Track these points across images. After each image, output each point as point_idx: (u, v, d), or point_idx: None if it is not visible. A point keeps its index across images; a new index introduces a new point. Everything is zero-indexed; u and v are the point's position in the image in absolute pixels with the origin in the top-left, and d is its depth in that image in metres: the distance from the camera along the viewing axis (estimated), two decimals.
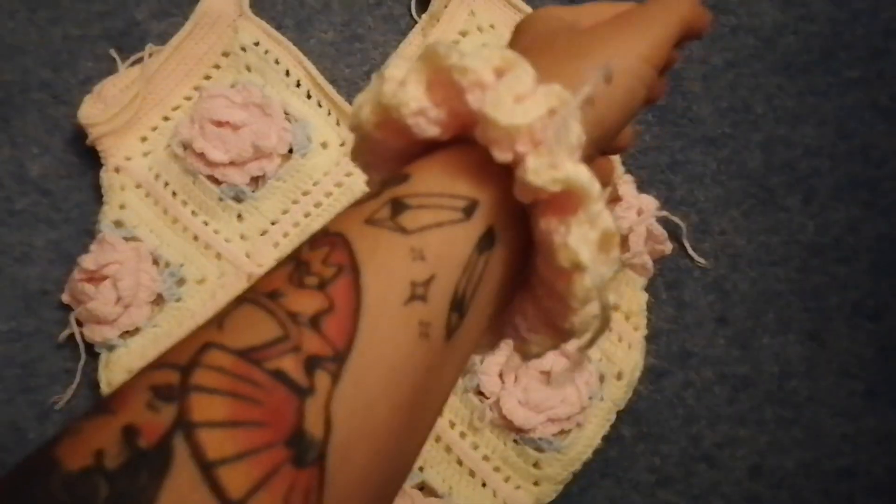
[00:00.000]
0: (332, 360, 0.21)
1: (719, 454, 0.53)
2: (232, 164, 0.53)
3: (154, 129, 0.56)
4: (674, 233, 0.55)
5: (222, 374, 0.20)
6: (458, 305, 0.23)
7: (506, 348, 0.50)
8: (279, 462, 0.20)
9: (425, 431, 0.24)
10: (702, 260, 0.55)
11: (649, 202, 0.53)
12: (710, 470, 0.53)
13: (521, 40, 0.30)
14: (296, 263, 0.22)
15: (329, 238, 0.23)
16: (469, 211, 0.23)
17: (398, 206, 0.23)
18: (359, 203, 0.23)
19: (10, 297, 0.54)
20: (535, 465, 0.50)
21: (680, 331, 0.55)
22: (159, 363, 0.21)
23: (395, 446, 0.22)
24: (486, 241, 0.23)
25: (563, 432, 0.50)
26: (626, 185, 0.53)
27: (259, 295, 0.22)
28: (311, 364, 0.21)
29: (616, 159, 0.55)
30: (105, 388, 0.51)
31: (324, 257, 0.22)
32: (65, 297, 0.53)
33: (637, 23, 0.28)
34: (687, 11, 0.29)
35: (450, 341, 0.23)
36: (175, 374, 0.20)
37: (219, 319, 0.22)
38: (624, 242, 0.53)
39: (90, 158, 0.56)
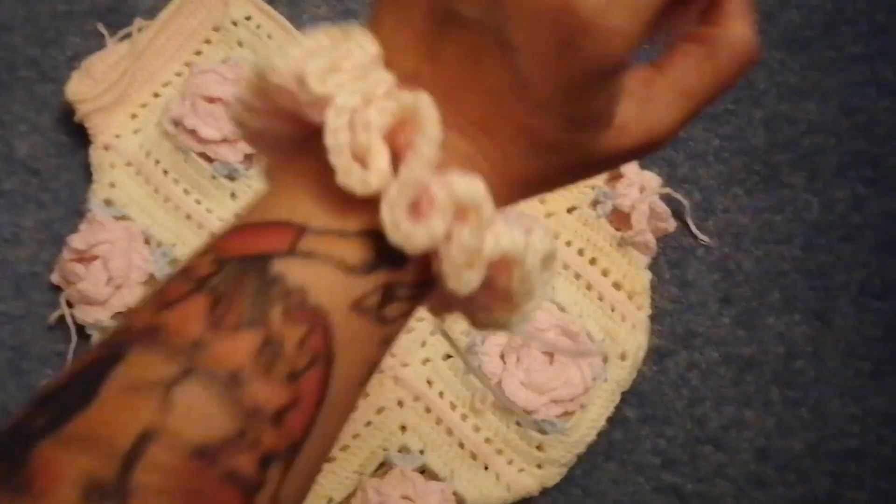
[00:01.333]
0: (287, 451, 0.20)
1: (725, 436, 0.52)
2: (224, 141, 0.52)
3: (144, 105, 0.54)
4: (676, 211, 0.54)
5: (168, 474, 0.18)
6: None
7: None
8: None
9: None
10: (705, 238, 0.54)
11: (651, 179, 0.52)
12: (716, 452, 0.52)
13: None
14: (266, 336, 0.19)
15: (309, 314, 0.20)
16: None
17: (389, 296, 0.21)
18: (349, 269, 0.20)
19: (0, 279, 0.53)
20: (539, 447, 0.49)
21: (684, 311, 0.54)
22: (93, 439, 0.18)
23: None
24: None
25: (566, 414, 0.49)
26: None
27: (216, 376, 0.19)
28: (267, 460, 0.19)
29: None
30: None
31: (300, 339, 0.20)
32: (54, 278, 0.52)
33: None
34: None
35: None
36: (113, 465, 0.18)
37: (164, 391, 0.19)
38: (627, 220, 0.52)
39: (79, 137, 0.55)
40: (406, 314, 0.22)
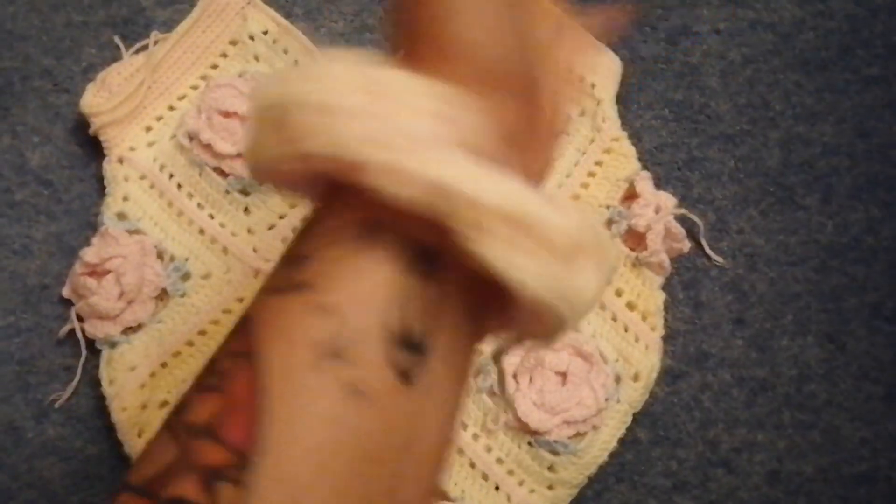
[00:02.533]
0: (235, 467, 0.18)
1: (737, 459, 0.52)
2: (239, 156, 0.52)
3: (159, 118, 0.54)
4: (691, 231, 0.53)
5: None
6: (407, 342, 0.19)
7: (520, 349, 0.49)
8: None
9: (421, 483, 0.20)
10: (719, 259, 0.54)
11: (667, 199, 0.52)
12: (728, 475, 0.51)
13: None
14: (209, 363, 0.20)
15: (239, 325, 0.20)
16: (372, 230, 0.19)
17: (295, 260, 0.20)
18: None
19: (9, 291, 0.53)
20: (550, 468, 0.49)
21: (697, 332, 0.53)
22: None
23: None
24: (423, 259, 0.19)
25: (578, 435, 0.49)
26: (643, 181, 0.52)
27: (172, 415, 0.19)
28: (211, 479, 0.18)
29: (633, 155, 0.54)
30: (106, 387, 0.49)
31: (228, 348, 0.19)
32: (65, 292, 0.51)
33: None
34: None
35: (416, 383, 0.19)
36: None
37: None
38: (641, 240, 0.52)
39: (92, 149, 0.55)
40: (329, 263, 0.21)
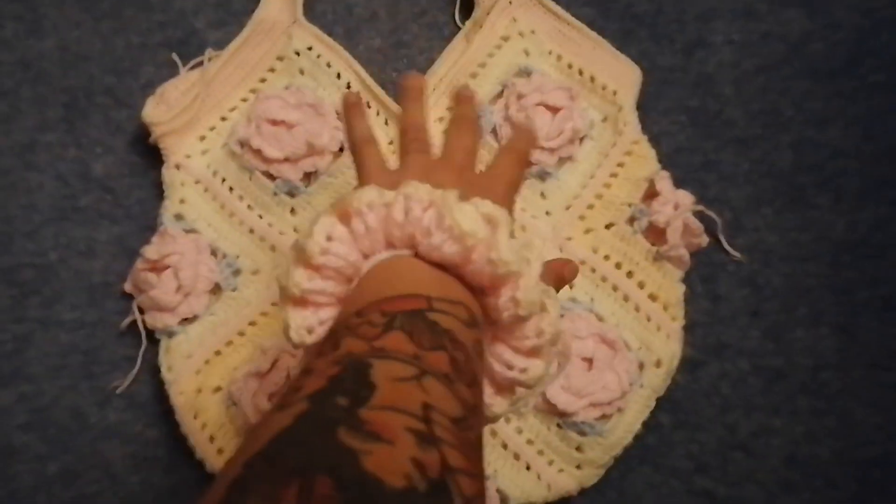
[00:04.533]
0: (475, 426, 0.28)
1: (755, 443, 0.54)
2: (286, 160, 0.56)
3: (212, 128, 0.59)
4: (709, 228, 0.57)
5: (448, 432, 0.25)
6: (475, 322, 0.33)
7: None
8: None
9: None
10: (737, 254, 0.57)
11: (685, 197, 0.55)
12: (747, 458, 0.54)
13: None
14: (450, 355, 0.29)
15: (462, 345, 0.30)
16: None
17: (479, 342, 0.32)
18: (464, 322, 0.31)
19: (75, 288, 0.57)
20: (578, 448, 0.52)
21: (715, 323, 0.57)
22: (395, 408, 0.25)
23: None
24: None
25: (604, 417, 0.52)
26: (663, 180, 0.56)
27: (439, 377, 0.27)
28: (471, 428, 0.27)
29: (652, 156, 0.58)
30: (165, 373, 0.53)
31: (464, 360, 0.29)
32: (127, 287, 0.56)
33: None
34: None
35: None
36: (420, 423, 0.25)
37: (417, 383, 0.26)
38: (662, 235, 0.55)
39: (151, 158, 0.59)
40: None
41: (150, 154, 0.59)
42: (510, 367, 0.33)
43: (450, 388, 0.26)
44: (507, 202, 0.39)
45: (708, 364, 0.56)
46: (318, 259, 0.31)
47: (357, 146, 0.42)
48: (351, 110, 0.43)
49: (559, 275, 0.40)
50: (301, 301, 0.32)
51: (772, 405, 0.55)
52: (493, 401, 0.33)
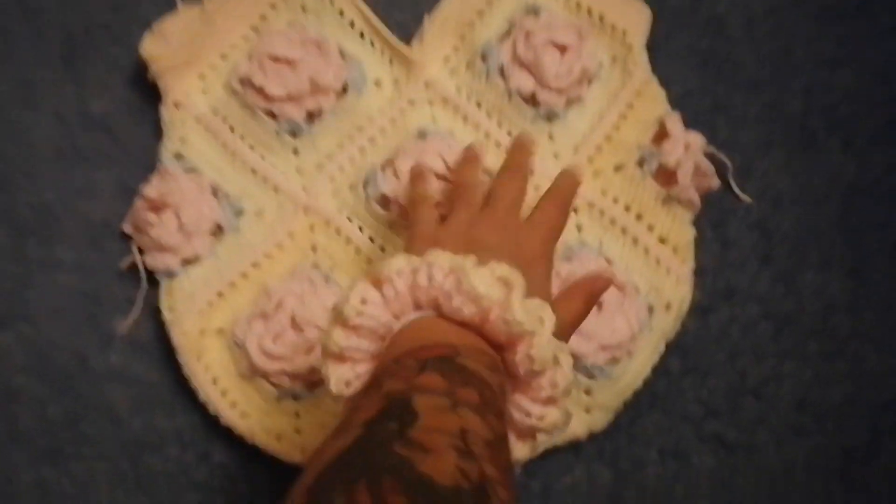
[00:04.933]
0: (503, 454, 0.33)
1: (765, 388, 0.54)
2: (289, 98, 0.55)
3: (212, 67, 0.57)
4: (719, 172, 0.56)
5: (484, 449, 0.30)
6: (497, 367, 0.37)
7: (556, 280, 0.51)
8: None
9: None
10: (747, 198, 0.56)
11: (696, 138, 0.54)
12: (757, 403, 0.54)
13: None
14: (480, 392, 0.33)
15: (487, 384, 0.34)
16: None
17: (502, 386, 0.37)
18: (488, 367, 0.35)
19: (74, 229, 0.56)
20: (587, 391, 0.51)
21: (725, 268, 0.56)
22: (440, 431, 0.30)
23: None
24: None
25: (613, 360, 0.51)
26: (673, 121, 0.55)
27: (471, 407, 0.32)
28: (500, 456, 0.31)
29: (662, 98, 0.57)
30: (167, 315, 0.52)
31: (491, 397, 0.34)
32: (126, 227, 0.54)
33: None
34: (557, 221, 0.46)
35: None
36: (460, 443, 0.29)
37: (454, 411, 0.31)
38: (672, 177, 0.54)
39: (151, 98, 0.58)
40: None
41: (149, 93, 0.58)
42: (528, 415, 0.37)
43: (482, 417, 0.31)
44: (545, 251, 0.44)
45: (718, 309, 0.55)
46: (354, 320, 0.36)
47: (414, 203, 0.49)
48: (416, 176, 0.51)
49: (589, 292, 0.44)
50: (340, 357, 0.37)
51: (782, 350, 0.54)
52: (515, 446, 0.38)
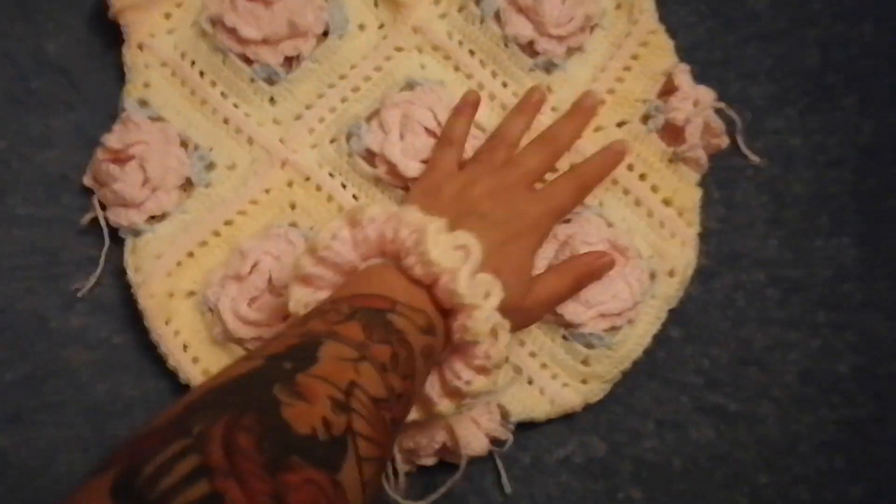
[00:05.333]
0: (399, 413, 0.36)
1: (769, 357, 0.51)
2: (265, 42, 0.50)
3: (179, 5, 0.52)
4: (727, 128, 0.52)
5: (365, 407, 0.32)
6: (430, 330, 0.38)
7: (554, 242, 0.48)
8: None
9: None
10: (756, 158, 0.53)
11: (706, 93, 0.50)
12: (761, 373, 0.51)
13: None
14: (393, 351, 0.35)
15: (408, 345, 0.36)
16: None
17: (430, 349, 0.38)
18: (420, 328, 0.37)
19: (29, 181, 0.51)
20: (584, 361, 0.48)
21: (731, 231, 0.53)
22: (326, 380, 0.32)
23: None
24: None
25: (613, 328, 0.48)
26: (682, 74, 0.51)
27: (376, 364, 0.34)
28: (392, 411, 0.34)
29: (670, 48, 0.53)
30: (132, 275, 0.48)
31: (406, 356, 0.36)
32: (86, 180, 0.50)
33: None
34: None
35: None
36: (341, 394, 0.32)
37: (354, 365, 0.34)
38: (679, 135, 0.50)
39: (111, 38, 0.53)
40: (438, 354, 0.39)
41: (110, 33, 0.53)
42: (457, 378, 0.39)
43: (381, 375, 0.33)
44: (539, 226, 0.45)
45: (722, 274, 0.52)
46: (322, 252, 0.39)
47: (440, 141, 0.48)
48: (463, 107, 0.49)
49: (584, 273, 0.47)
50: (304, 281, 0.40)
51: (789, 318, 0.51)
52: (441, 402, 0.40)
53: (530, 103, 0.50)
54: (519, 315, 0.43)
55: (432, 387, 0.40)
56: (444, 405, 0.40)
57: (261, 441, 0.27)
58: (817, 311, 0.52)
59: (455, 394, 0.40)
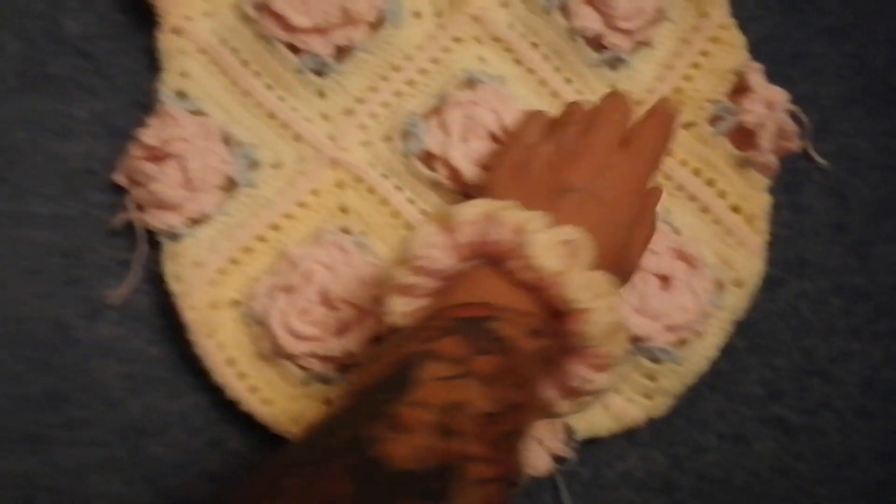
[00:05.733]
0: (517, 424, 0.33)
1: (832, 368, 0.50)
2: (315, 30, 0.46)
3: None
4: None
5: (475, 422, 0.30)
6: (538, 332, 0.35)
7: None
8: None
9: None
10: (822, 161, 0.51)
11: (779, 94, 0.48)
12: (823, 384, 0.50)
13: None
14: (500, 360, 0.33)
15: (516, 352, 0.33)
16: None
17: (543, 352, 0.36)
18: (528, 332, 0.35)
19: (50, 175, 0.47)
20: (650, 376, 0.46)
21: (796, 237, 0.51)
22: (429, 405, 0.30)
23: None
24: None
25: (681, 341, 0.46)
26: (755, 73, 0.48)
27: (481, 378, 0.32)
28: (505, 426, 0.32)
29: (742, 45, 0.50)
30: (172, 283, 0.44)
31: (515, 365, 0.33)
32: (119, 178, 0.46)
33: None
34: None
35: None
36: (444, 418, 0.30)
37: (458, 383, 0.31)
38: (749, 138, 0.48)
39: (137, 17, 0.48)
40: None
41: (135, 11, 0.48)
42: (577, 378, 0.37)
43: (489, 387, 0.31)
44: (637, 187, 0.41)
45: (787, 282, 0.50)
46: (419, 262, 0.36)
47: (527, 112, 0.45)
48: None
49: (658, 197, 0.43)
50: (403, 291, 0.37)
51: (852, 327, 0.50)
52: (560, 403, 0.38)
53: (663, 113, 0.44)
54: (623, 280, 0.42)
55: (549, 388, 0.38)
56: (563, 406, 0.38)
57: (359, 487, 0.26)
58: (880, 321, 0.50)
59: (574, 393, 0.37)
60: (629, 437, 0.48)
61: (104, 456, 0.45)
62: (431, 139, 0.45)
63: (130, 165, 0.45)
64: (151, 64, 0.48)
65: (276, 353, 0.44)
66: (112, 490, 0.45)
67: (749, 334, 0.50)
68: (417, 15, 0.48)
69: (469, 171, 0.45)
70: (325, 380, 0.44)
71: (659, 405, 0.47)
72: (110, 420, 0.46)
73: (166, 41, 0.46)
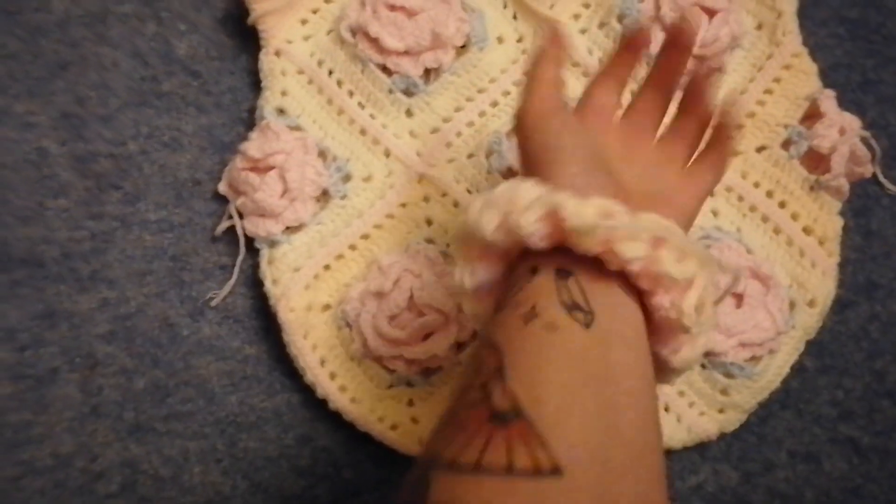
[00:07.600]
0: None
1: None
2: (406, 52, 0.49)
3: (315, 11, 0.51)
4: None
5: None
6: (577, 307, 0.31)
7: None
8: None
9: (637, 416, 0.31)
10: (892, 187, 0.52)
11: (852, 121, 0.49)
12: (894, 407, 0.50)
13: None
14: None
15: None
16: (534, 271, 0.33)
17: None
18: None
19: (160, 184, 0.50)
20: (723, 391, 0.48)
21: (867, 261, 0.52)
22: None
23: None
24: (561, 273, 0.32)
25: (754, 358, 0.47)
26: (828, 100, 0.50)
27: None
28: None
29: (814, 72, 0.51)
30: (270, 286, 0.47)
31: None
32: (222, 188, 0.49)
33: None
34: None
35: (592, 329, 0.31)
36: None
37: None
38: (822, 162, 0.50)
39: (241, 40, 0.52)
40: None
41: (240, 35, 0.52)
42: (663, 350, 0.34)
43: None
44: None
45: (858, 305, 0.51)
46: (488, 240, 0.33)
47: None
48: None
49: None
50: (476, 257, 0.34)
51: None
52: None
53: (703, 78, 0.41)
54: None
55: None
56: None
57: None
58: None
59: (663, 369, 0.35)
60: (701, 451, 0.49)
61: (203, 448, 0.48)
62: (514, 156, 0.48)
63: (234, 176, 0.48)
64: (253, 83, 0.51)
65: (364, 355, 0.47)
66: (210, 480, 0.48)
67: (820, 355, 0.50)
68: (500, 40, 0.51)
69: None
70: (408, 382, 0.47)
71: (731, 419, 0.48)
72: (209, 414, 0.48)
73: (268, 62, 0.50)
